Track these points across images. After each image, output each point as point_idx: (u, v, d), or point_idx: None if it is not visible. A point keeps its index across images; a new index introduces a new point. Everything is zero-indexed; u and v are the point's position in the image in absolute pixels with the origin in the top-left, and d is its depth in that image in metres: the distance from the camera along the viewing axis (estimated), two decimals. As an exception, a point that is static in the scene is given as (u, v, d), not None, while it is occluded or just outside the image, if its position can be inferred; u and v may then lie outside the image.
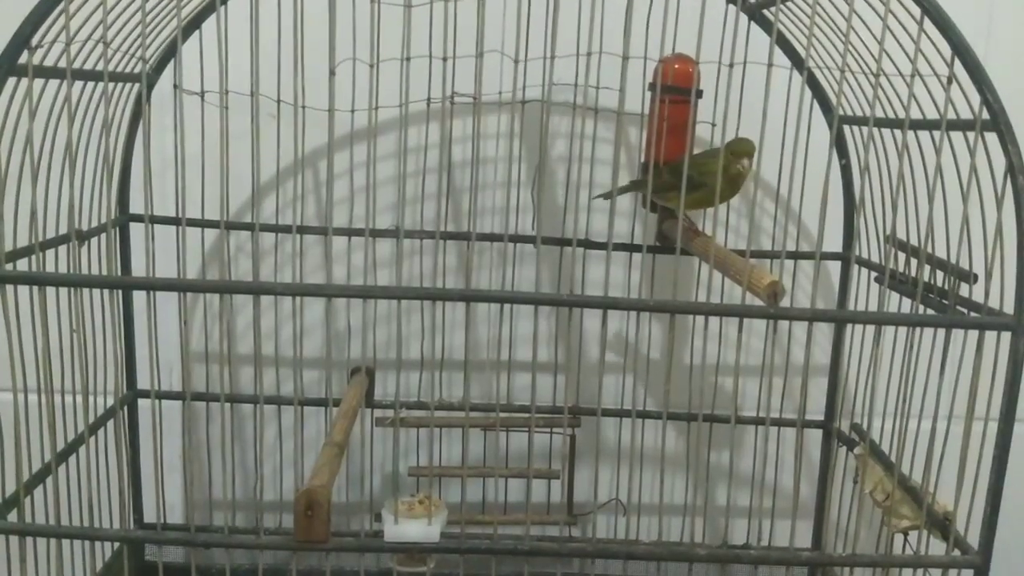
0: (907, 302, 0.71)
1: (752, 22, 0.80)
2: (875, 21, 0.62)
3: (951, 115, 0.62)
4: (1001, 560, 0.67)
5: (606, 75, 0.77)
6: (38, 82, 0.60)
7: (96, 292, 0.74)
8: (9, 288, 0.61)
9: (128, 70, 0.76)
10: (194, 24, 0.77)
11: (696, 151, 0.78)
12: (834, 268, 0.91)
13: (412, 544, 0.70)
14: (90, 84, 0.71)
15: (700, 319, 0.90)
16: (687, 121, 0.66)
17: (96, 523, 0.75)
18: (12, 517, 0.65)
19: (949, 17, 0.59)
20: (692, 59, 0.65)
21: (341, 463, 0.65)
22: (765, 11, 0.81)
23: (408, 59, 0.69)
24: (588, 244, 0.87)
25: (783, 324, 0.90)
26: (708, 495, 0.96)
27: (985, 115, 0.59)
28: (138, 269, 0.81)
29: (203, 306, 0.93)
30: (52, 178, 0.66)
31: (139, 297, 0.83)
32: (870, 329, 0.68)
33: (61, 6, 0.57)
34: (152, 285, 0.63)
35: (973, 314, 0.65)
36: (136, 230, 0.85)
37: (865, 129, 0.73)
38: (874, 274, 0.82)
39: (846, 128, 0.84)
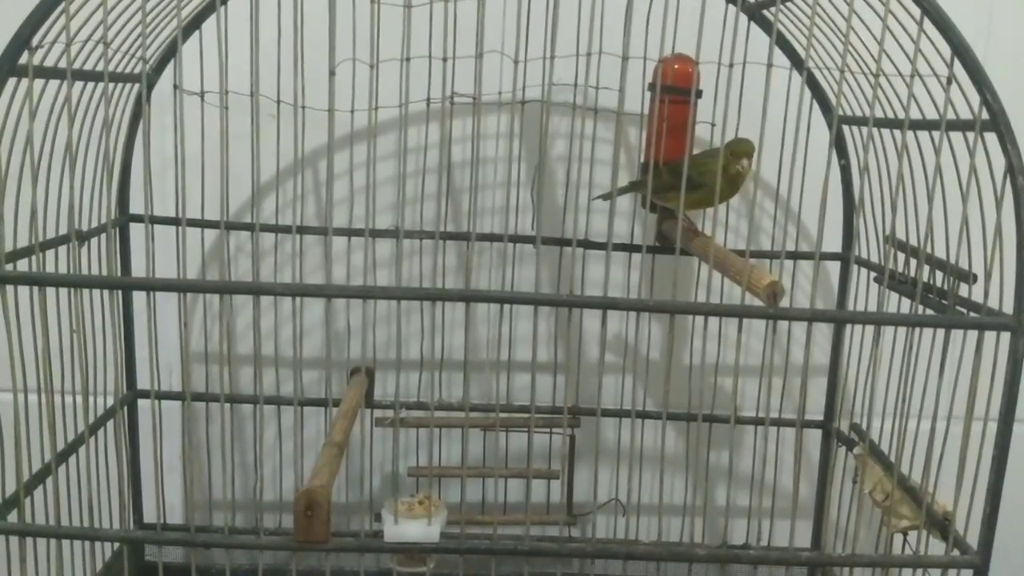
0: (906, 302, 0.71)
1: (752, 22, 0.80)
2: (875, 21, 0.62)
3: (951, 115, 0.62)
4: (1000, 560, 0.67)
5: (606, 75, 0.77)
6: (38, 82, 0.60)
7: (96, 292, 0.74)
8: (9, 288, 0.61)
9: (128, 70, 0.76)
10: (194, 24, 0.77)
11: (696, 151, 0.79)
12: (833, 268, 0.91)
13: (412, 544, 0.70)
14: (90, 84, 0.71)
15: (700, 319, 0.90)
16: (687, 121, 0.66)
17: (96, 523, 0.75)
18: (12, 517, 0.65)
19: (949, 17, 0.59)
20: (692, 59, 0.65)
21: (341, 463, 0.65)
22: (765, 11, 0.81)
23: (408, 59, 0.69)
24: (588, 244, 0.87)
25: (782, 324, 0.90)
26: (707, 495, 0.96)
27: (985, 115, 0.59)
28: (138, 269, 0.81)
29: (203, 306, 0.93)
30: (52, 178, 0.66)
31: (139, 297, 0.83)
32: (869, 329, 0.68)
33: (61, 7, 0.57)
34: (152, 285, 0.63)
35: (972, 314, 0.65)
36: (136, 230, 0.85)
37: (865, 129, 0.73)
38: (873, 274, 0.82)
39: (846, 128, 0.84)
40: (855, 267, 0.86)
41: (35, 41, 0.58)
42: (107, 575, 0.80)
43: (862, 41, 0.67)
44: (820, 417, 0.92)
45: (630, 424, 0.69)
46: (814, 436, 0.93)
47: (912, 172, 0.70)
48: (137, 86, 0.79)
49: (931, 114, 0.64)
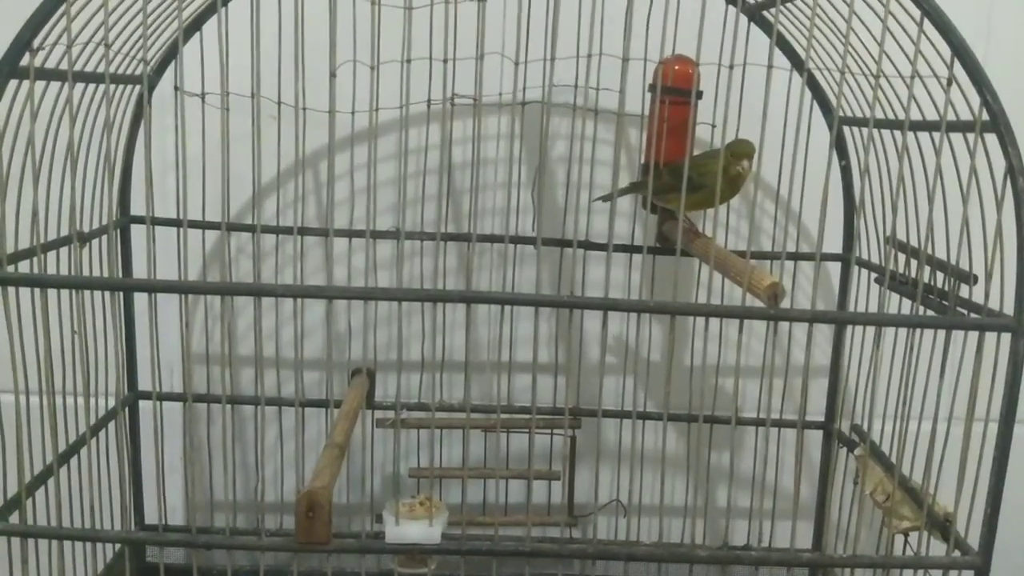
0: (907, 303, 0.71)
1: (752, 23, 0.80)
2: (875, 22, 0.62)
3: (951, 116, 0.62)
4: (1001, 561, 0.67)
5: (606, 76, 0.77)
6: (39, 84, 0.60)
7: (97, 293, 0.74)
8: (11, 290, 0.61)
9: (129, 72, 0.76)
10: (195, 26, 0.77)
11: (696, 152, 0.79)
12: (834, 269, 0.91)
13: (413, 545, 0.70)
14: (91, 86, 0.71)
15: (700, 320, 0.90)
16: (687, 122, 0.66)
17: (97, 524, 0.75)
18: (14, 519, 0.65)
19: (949, 19, 0.59)
20: (692, 60, 0.65)
21: (342, 464, 0.65)
22: (765, 12, 0.81)
23: (409, 61, 0.69)
24: (588, 245, 0.87)
25: (783, 325, 0.90)
26: (708, 496, 0.96)
27: (985, 116, 0.59)
28: (139, 270, 0.81)
29: (204, 307, 0.93)
30: (53, 180, 0.66)
31: (140, 299, 0.84)
32: (870, 330, 0.68)
33: (62, 8, 0.58)
34: (153, 287, 0.63)
35: (973, 315, 0.65)
36: (137, 232, 0.85)
37: (865, 130, 0.73)
38: (874, 275, 0.82)
39: (846, 129, 0.84)
40: (856, 268, 0.86)
41: (36, 43, 0.58)
42: (108, 576, 0.80)
43: (862, 42, 0.67)
44: (821, 418, 0.92)
45: (631, 425, 0.69)
46: (815, 437, 0.93)
47: (912, 173, 0.70)
48: (138, 87, 0.80)
49: (931, 115, 0.64)
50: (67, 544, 0.68)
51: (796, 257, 0.90)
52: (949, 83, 0.60)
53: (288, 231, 0.85)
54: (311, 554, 0.69)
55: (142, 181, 0.64)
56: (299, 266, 0.69)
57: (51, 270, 0.68)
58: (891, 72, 0.66)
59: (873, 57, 0.64)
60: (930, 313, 0.68)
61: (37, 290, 0.61)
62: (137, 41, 0.71)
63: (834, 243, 0.88)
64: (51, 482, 0.65)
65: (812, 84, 0.82)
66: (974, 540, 0.66)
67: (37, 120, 0.59)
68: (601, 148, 0.87)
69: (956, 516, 0.68)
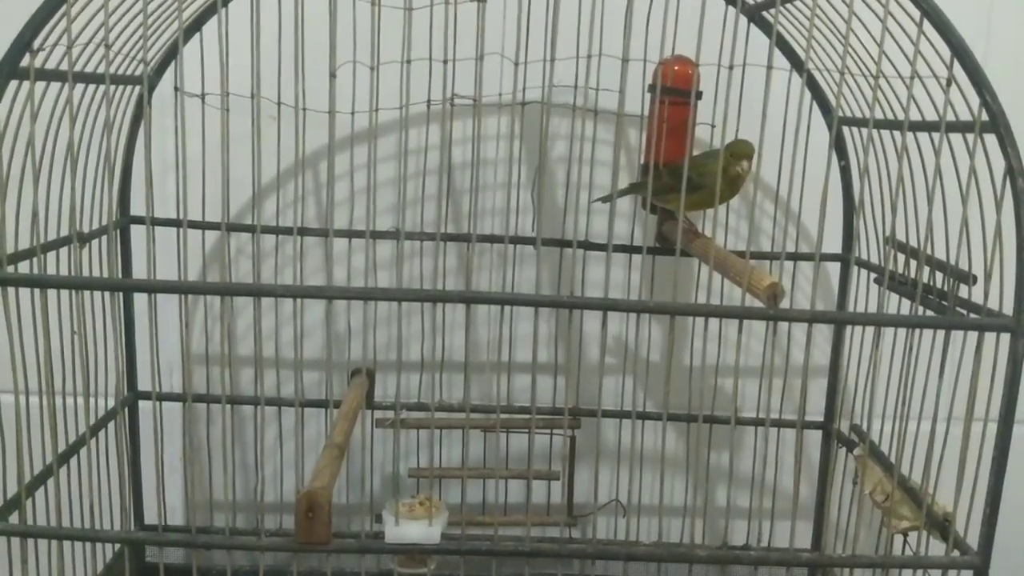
0: (906, 303, 0.71)
1: (751, 24, 0.80)
2: (874, 23, 0.62)
3: (950, 117, 0.62)
4: (1001, 560, 0.67)
5: (606, 77, 0.77)
6: (39, 84, 0.60)
7: (97, 294, 0.74)
8: (11, 290, 0.61)
9: (129, 72, 0.76)
10: (195, 26, 0.77)
11: (696, 153, 0.79)
12: (834, 269, 0.91)
13: (413, 545, 0.70)
14: (91, 86, 0.71)
15: (700, 320, 0.90)
16: (687, 123, 0.66)
17: (97, 525, 0.75)
18: (14, 519, 0.65)
19: (948, 19, 0.59)
20: (692, 61, 0.65)
21: (342, 464, 0.65)
22: (764, 13, 0.81)
23: (409, 61, 0.69)
24: (588, 245, 0.87)
25: (783, 325, 0.91)
26: (708, 496, 0.97)
27: (984, 117, 0.59)
28: (139, 271, 0.81)
29: (204, 308, 0.93)
30: (53, 180, 0.66)
31: (140, 299, 0.84)
32: (869, 330, 0.68)
33: (62, 9, 0.58)
34: (153, 287, 0.63)
35: (972, 315, 0.65)
36: (137, 232, 0.85)
37: (865, 131, 0.73)
38: (873, 275, 0.83)
39: (845, 130, 0.84)
40: (855, 268, 0.86)
41: (36, 44, 0.58)
42: (108, 576, 0.80)
43: (862, 43, 0.67)
44: (820, 418, 0.92)
45: (631, 425, 0.69)
46: (814, 437, 0.93)
47: (912, 173, 0.70)
48: (138, 88, 0.80)
49: (931, 115, 0.64)
50: (67, 544, 0.68)
51: (795, 257, 0.90)
52: (948, 83, 0.60)
53: (288, 231, 0.85)
54: (311, 554, 0.69)
55: (142, 181, 0.64)
56: (299, 266, 0.69)
57: (51, 270, 0.68)
58: (891, 72, 0.66)
59: (873, 57, 0.64)
60: (929, 313, 0.68)
61: (37, 290, 0.62)
62: (137, 42, 0.71)
63: (833, 243, 0.88)
64: (51, 482, 0.65)
65: (812, 84, 0.82)
66: (973, 540, 0.66)
67: (37, 120, 0.59)
68: (601, 148, 0.87)
69: (955, 516, 0.68)
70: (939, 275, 0.68)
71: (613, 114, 0.66)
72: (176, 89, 0.67)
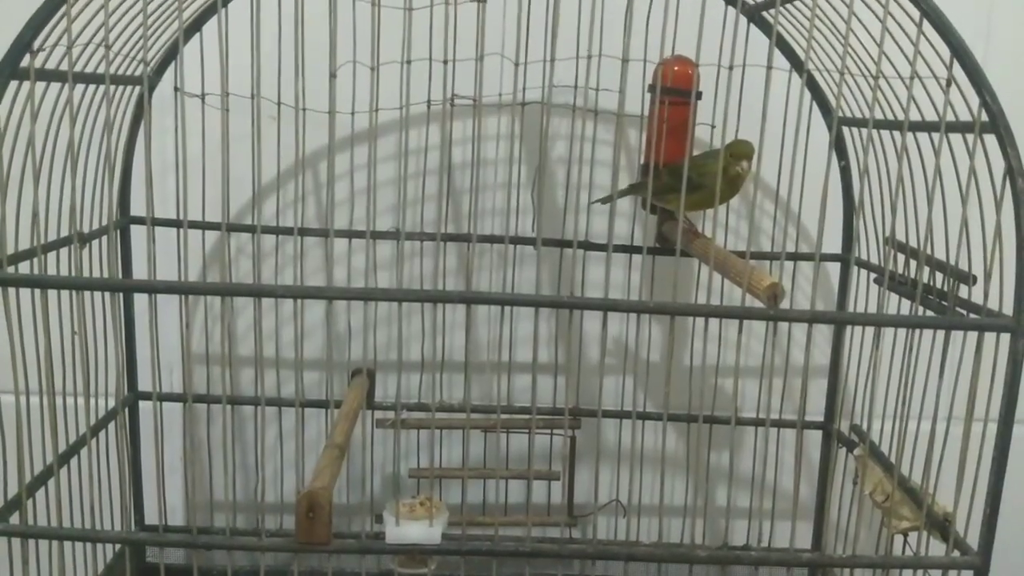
0: (906, 303, 0.71)
1: (751, 24, 0.80)
2: (874, 23, 0.62)
3: (950, 117, 0.62)
4: (1001, 561, 0.67)
5: (606, 77, 0.77)
6: (40, 85, 0.60)
7: (97, 294, 0.74)
8: (11, 290, 0.61)
9: (129, 73, 0.76)
10: (195, 26, 0.77)
11: (696, 153, 0.79)
12: (834, 269, 0.91)
13: (413, 546, 0.70)
14: (91, 86, 0.71)
15: (700, 320, 0.90)
16: (687, 123, 0.66)
17: (97, 525, 0.75)
18: (14, 519, 0.65)
19: (948, 20, 0.59)
20: (691, 61, 0.65)
21: (342, 465, 0.65)
22: (764, 13, 0.81)
23: (409, 62, 0.69)
24: (588, 246, 0.87)
25: (783, 325, 0.91)
26: (708, 496, 0.97)
27: (984, 117, 0.59)
28: (139, 271, 0.81)
29: (204, 308, 0.93)
30: (54, 181, 0.66)
31: (140, 299, 0.84)
32: (870, 330, 0.68)
33: (62, 10, 0.58)
34: (153, 288, 0.63)
35: (972, 315, 0.65)
36: (137, 232, 0.85)
37: (864, 131, 0.73)
38: (873, 276, 0.83)
39: (845, 130, 0.84)
40: (855, 268, 0.86)
41: (36, 44, 0.58)
42: (108, 576, 0.80)
43: (862, 43, 0.67)
44: (820, 418, 0.92)
45: (631, 425, 0.69)
46: (814, 437, 0.93)
47: (912, 174, 0.70)
48: (138, 88, 0.80)
49: (931, 116, 0.64)
50: (67, 545, 0.68)
51: (795, 257, 0.90)
52: (948, 84, 0.60)
53: (288, 231, 0.85)
54: (311, 554, 0.69)
55: (142, 182, 0.64)
56: (299, 266, 0.69)
57: (51, 271, 0.68)
58: (890, 73, 0.66)
59: (872, 58, 0.64)
60: (929, 313, 0.68)
61: (37, 291, 0.62)
62: (137, 42, 0.71)
63: (833, 243, 0.88)
64: (51, 482, 0.65)
65: (811, 85, 0.82)
66: (973, 540, 0.66)
67: (37, 121, 0.59)
68: (601, 149, 0.87)
69: (955, 516, 0.68)
70: (939, 275, 0.68)
71: (613, 114, 0.66)
72: (176, 89, 0.67)
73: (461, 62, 0.76)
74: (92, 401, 0.67)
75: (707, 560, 0.69)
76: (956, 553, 0.67)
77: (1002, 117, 0.59)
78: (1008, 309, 0.62)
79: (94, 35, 0.62)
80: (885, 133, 0.75)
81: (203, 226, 0.85)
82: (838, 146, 0.85)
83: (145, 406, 0.89)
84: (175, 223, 0.83)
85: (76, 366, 0.68)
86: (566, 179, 0.89)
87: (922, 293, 0.68)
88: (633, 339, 0.91)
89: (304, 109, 0.69)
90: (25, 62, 0.58)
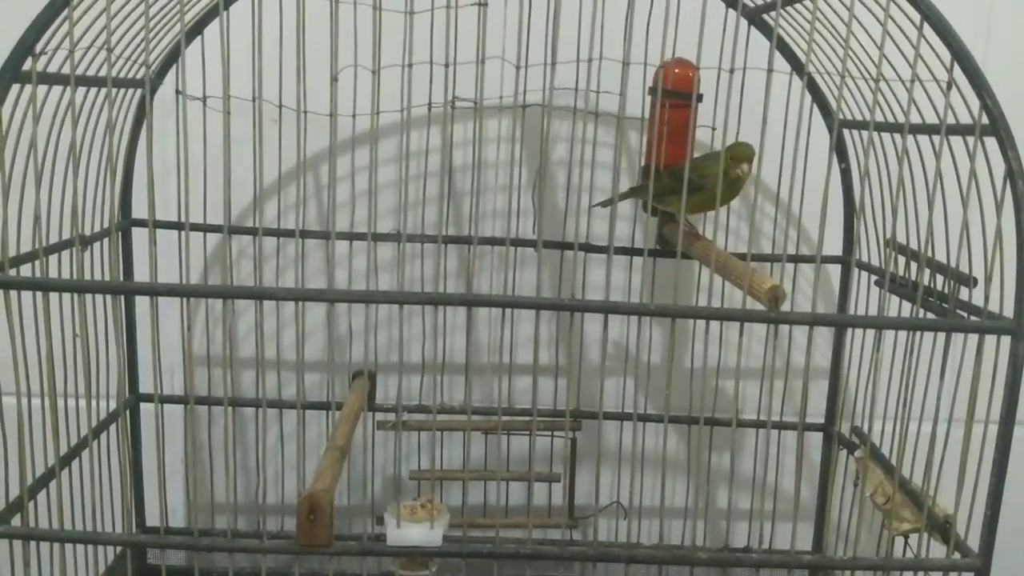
0: (907, 306, 0.71)
1: (752, 27, 0.80)
2: (875, 26, 0.62)
3: (951, 120, 0.62)
4: (1001, 562, 0.67)
5: (606, 79, 0.77)
6: (42, 88, 0.60)
7: (99, 296, 0.74)
8: (13, 293, 0.61)
9: (131, 75, 0.76)
10: (196, 29, 0.78)
11: (696, 155, 0.79)
12: (834, 272, 0.91)
13: (414, 548, 0.70)
14: (93, 89, 0.71)
15: (701, 323, 0.90)
16: (687, 125, 0.66)
17: (99, 527, 0.75)
18: (16, 521, 0.65)
19: (948, 23, 0.59)
20: (692, 64, 0.65)
21: (343, 467, 0.65)
22: (765, 16, 0.81)
23: (410, 65, 0.69)
24: (589, 248, 0.87)
25: (784, 328, 0.91)
26: (709, 498, 0.97)
27: (984, 120, 0.60)
28: (140, 273, 0.82)
29: (205, 310, 0.93)
30: (55, 183, 0.66)
31: (142, 301, 0.84)
32: (870, 333, 0.68)
33: (65, 13, 0.58)
34: (155, 290, 0.63)
35: (973, 318, 0.65)
36: (138, 234, 0.85)
37: (865, 133, 0.73)
38: (874, 278, 0.83)
39: (846, 132, 0.84)
40: (856, 271, 0.86)
41: (39, 48, 0.58)
42: (110, 578, 0.80)
43: (862, 46, 0.67)
44: (821, 420, 0.92)
45: (632, 427, 0.69)
46: (815, 439, 0.93)
47: (912, 176, 0.70)
48: (140, 91, 0.80)
49: (931, 118, 0.64)
50: (68, 547, 0.68)
51: (796, 260, 0.90)
52: (949, 87, 0.60)
53: (289, 234, 0.85)
54: (312, 556, 0.69)
55: (143, 184, 0.64)
56: (300, 269, 0.69)
57: (53, 273, 0.68)
58: (891, 76, 0.66)
59: (873, 61, 0.64)
60: (930, 316, 0.68)
61: (39, 293, 0.62)
62: (139, 45, 0.71)
63: (834, 246, 0.88)
64: (53, 484, 0.65)
65: (812, 87, 0.83)
66: (974, 542, 0.66)
67: (39, 124, 0.59)
68: (601, 151, 0.87)
69: (956, 518, 0.68)
70: (940, 278, 0.68)
71: (614, 117, 0.66)
72: (178, 92, 0.67)
73: (462, 65, 0.76)
74: (93, 403, 0.67)
75: (708, 562, 0.69)
76: (957, 555, 0.67)
77: (1002, 120, 0.59)
78: (1009, 311, 0.62)
79: (96, 38, 0.62)
80: (886, 136, 0.75)
81: (204, 228, 0.85)
82: (839, 148, 0.85)
83: (146, 408, 0.89)
84: (176, 225, 0.82)
85: (77, 368, 0.68)
86: (567, 181, 0.89)
87: (923, 295, 0.68)
88: (634, 341, 0.91)
89: (305, 112, 0.69)
90: (27, 65, 0.58)
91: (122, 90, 0.78)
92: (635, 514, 0.94)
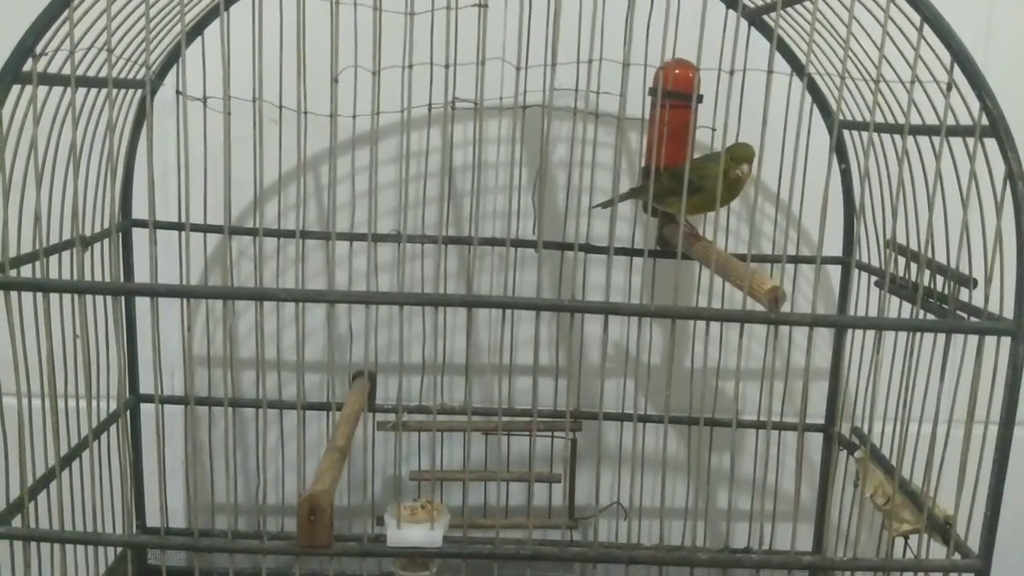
0: (907, 307, 0.71)
1: (752, 28, 0.80)
2: (875, 27, 0.62)
3: (951, 121, 0.62)
4: (1001, 563, 0.67)
5: (607, 80, 0.77)
6: (42, 89, 0.60)
7: (99, 297, 0.74)
8: (13, 294, 0.61)
9: (131, 76, 0.76)
10: (197, 30, 0.78)
11: (696, 156, 0.79)
12: (834, 273, 0.91)
13: (415, 549, 0.70)
14: (93, 90, 0.71)
15: (701, 324, 0.90)
16: (687, 126, 0.66)
17: (99, 527, 0.75)
18: (16, 522, 0.65)
19: (948, 24, 0.59)
20: (692, 64, 0.65)
21: (343, 467, 0.65)
22: (765, 17, 0.81)
23: (410, 66, 0.69)
24: (589, 248, 0.87)
25: (784, 329, 0.91)
26: (709, 499, 0.97)
27: (984, 121, 0.60)
28: (141, 274, 0.82)
29: (205, 310, 0.93)
30: (56, 184, 0.66)
31: (142, 302, 0.84)
32: (870, 333, 0.68)
33: (65, 14, 0.58)
34: (155, 291, 0.63)
35: (973, 319, 0.65)
36: (139, 235, 0.85)
37: (865, 134, 0.73)
38: (874, 279, 0.83)
39: (846, 133, 0.84)
40: (856, 272, 0.86)
41: (39, 49, 0.58)
42: (110, 579, 0.80)
43: (862, 47, 0.67)
44: (821, 421, 0.92)
45: (632, 428, 0.69)
46: (815, 440, 0.93)
47: (912, 177, 0.70)
48: (140, 92, 0.80)
49: (931, 119, 0.64)
50: (69, 547, 0.68)
51: (796, 260, 0.90)
52: (949, 88, 0.60)
53: (290, 234, 0.85)
54: (313, 557, 0.69)
55: (144, 185, 0.64)
56: (300, 269, 0.69)
57: (53, 274, 0.68)
58: (891, 77, 0.66)
59: (873, 62, 0.64)
60: (930, 317, 0.68)
61: (39, 294, 0.62)
62: (139, 46, 0.71)
63: (834, 247, 0.88)
64: (53, 485, 0.65)
65: (812, 88, 0.83)
66: (974, 543, 0.66)
67: (40, 124, 0.59)
68: (601, 152, 0.87)
69: (956, 519, 0.68)
70: (940, 279, 0.68)
71: (614, 118, 0.66)
72: (178, 92, 0.67)
73: (462, 66, 0.76)
74: (94, 404, 0.67)
75: (708, 563, 0.69)
76: (957, 556, 0.67)
77: (1002, 121, 0.59)
78: (1009, 313, 0.62)
79: (96, 39, 0.62)
80: (886, 137, 0.75)
81: (205, 229, 0.85)
82: (839, 149, 0.85)
83: (147, 409, 0.89)
84: (177, 226, 0.82)
85: (78, 369, 0.68)
86: (567, 182, 0.89)
87: (923, 296, 0.68)
88: (634, 342, 0.91)
89: (306, 112, 0.69)
90: (28, 66, 0.58)
91: (122, 91, 0.78)
92: (635, 515, 0.94)
